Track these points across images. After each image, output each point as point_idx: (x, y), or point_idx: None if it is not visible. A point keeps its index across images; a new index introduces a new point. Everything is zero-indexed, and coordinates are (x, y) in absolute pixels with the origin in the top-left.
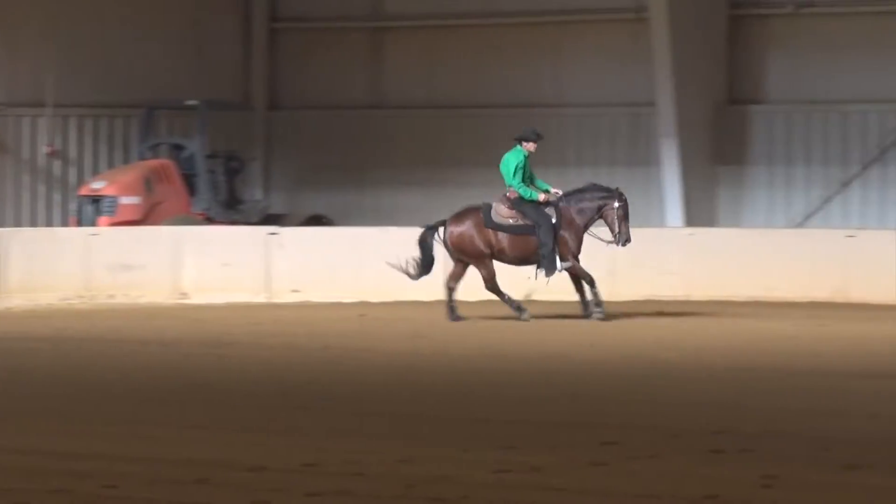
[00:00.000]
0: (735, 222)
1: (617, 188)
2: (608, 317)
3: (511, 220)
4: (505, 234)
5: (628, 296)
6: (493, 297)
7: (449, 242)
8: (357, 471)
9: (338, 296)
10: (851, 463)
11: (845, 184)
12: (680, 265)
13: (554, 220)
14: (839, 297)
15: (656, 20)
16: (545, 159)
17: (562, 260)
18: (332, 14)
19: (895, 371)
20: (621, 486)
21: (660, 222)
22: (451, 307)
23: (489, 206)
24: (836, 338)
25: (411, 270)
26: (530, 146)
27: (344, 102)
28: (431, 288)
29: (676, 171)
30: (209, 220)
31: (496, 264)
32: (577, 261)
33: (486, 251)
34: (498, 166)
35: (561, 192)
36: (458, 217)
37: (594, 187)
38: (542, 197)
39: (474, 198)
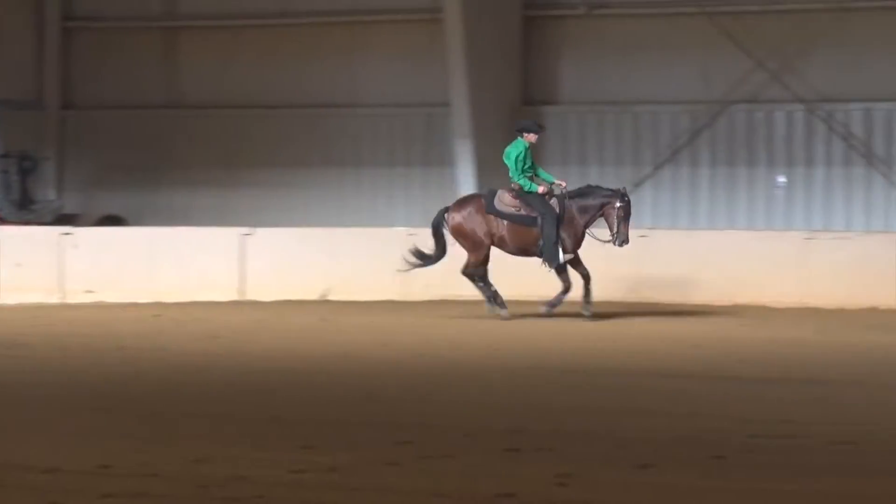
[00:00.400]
0: None
1: (622, 188)
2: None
3: (514, 209)
4: (505, 222)
5: (423, 295)
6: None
7: (449, 228)
8: (152, 472)
9: (132, 296)
10: (645, 462)
11: (637, 184)
12: None
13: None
14: (632, 297)
15: (450, 21)
16: (343, 159)
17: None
18: (126, 13)
19: (690, 370)
20: (416, 484)
21: None
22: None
23: (493, 192)
24: (629, 337)
25: (419, 259)
26: (531, 137)
27: (138, 102)
28: (226, 289)
29: (471, 172)
30: (1, 221)
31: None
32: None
33: (486, 241)
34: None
35: (565, 184)
36: (460, 203)
37: (598, 187)
38: (541, 189)
39: (271, 198)
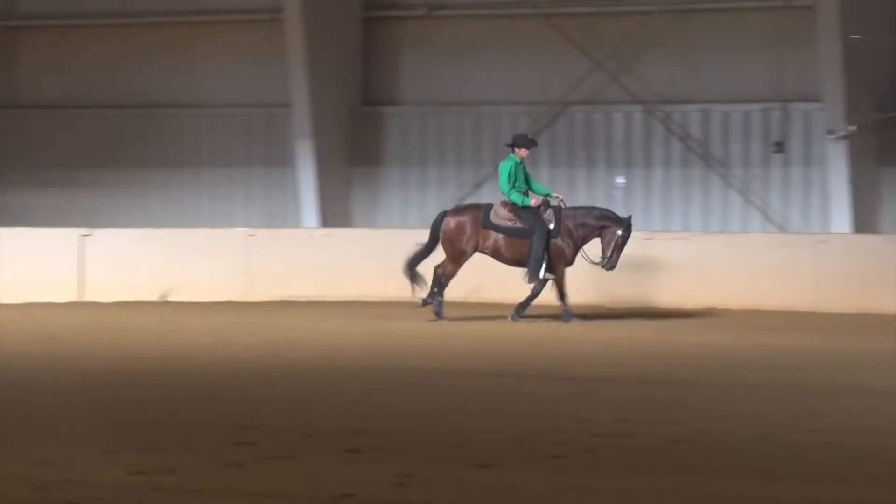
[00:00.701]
0: (370, 223)
1: (629, 216)
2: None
3: (509, 223)
4: (501, 235)
5: (264, 296)
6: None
7: (442, 231)
8: None
9: None
10: (485, 461)
11: (478, 184)
12: (315, 266)
13: (552, 227)
14: (473, 298)
15: (291, 21)
16: (182, 160)
17: (551, 269)
18: None
19: (530, 370)
20: (257, 486)
21: (296, 223)
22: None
23: (490, 207)
24: (469, 337)
25: (416, 260)
26: (522, 152)
27: None
28: (65, 290)
29: (312, 172)
30: None
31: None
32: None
33: (468, 254)
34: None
35: (563, 197)
36: (459, 210)
37: (606, 209)
38: (533, 202)
39: (111, 199)
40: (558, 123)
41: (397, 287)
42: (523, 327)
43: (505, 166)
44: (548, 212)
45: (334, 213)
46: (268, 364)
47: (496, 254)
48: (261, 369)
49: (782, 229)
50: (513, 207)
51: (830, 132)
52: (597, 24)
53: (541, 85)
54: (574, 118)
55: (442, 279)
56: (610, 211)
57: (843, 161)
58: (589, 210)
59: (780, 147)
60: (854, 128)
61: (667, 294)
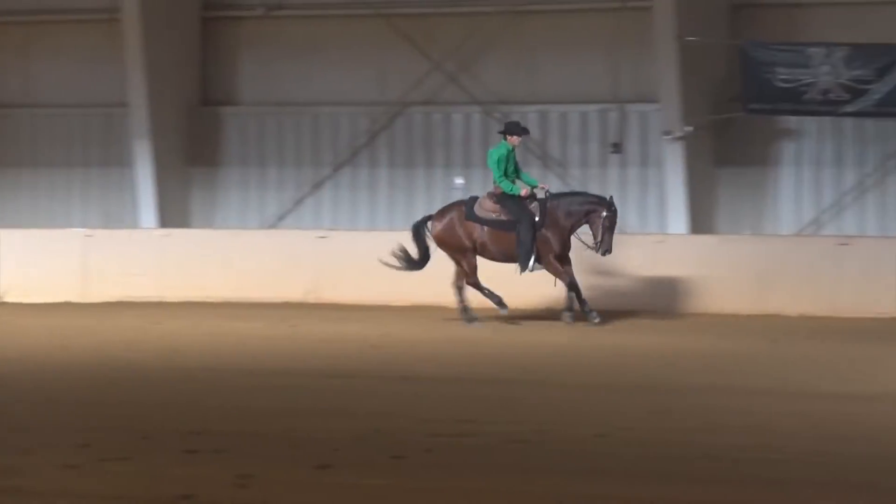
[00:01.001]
0: (209, 223)
1: (609, 197)
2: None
3: (494, 215)
4: (486, 228)
5: (101, 297)
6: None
7: (433, 238)
8: None
9: None
10: (325, 462)
11: (317, 185)
12: (154, 266)
13: (538, 218)
14: (312, 298)
15: (129, 21)
16: (19, 160)
17: (541, 259)
18: None
19: (370, 370)
20: (95, 488)
21: (134, 223)
22: (464, 308)
23: (474, 199)
24: (307, 338)
25: (403, 263)
26: (514, 140)
27: None
28: None
29: (150, 173)
30: None
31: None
32: (569, 261)
33: (468, 244)
34: None
35: (548, 188)
36: (442, 212)
37: (585, 193)
38: (524, 192)
39: None
40: (397, 124)
41: (236, 288)
42: (363, 327)
43: (495, 153)
44: (533, 204)
45: (173, 214)
46: (105, 365)
47: (482, 249)
48: (98, 370)
49: (620, 230)
50: (499, 198)
51: (667, 133)
52: (435, 24)
53: (380, 85)
54: (413, 118)
55: (471, 282)
56: (592, 195)
57: (679, 162)
58: (573, 197)
59: (617, 148)
60: (690, 129)
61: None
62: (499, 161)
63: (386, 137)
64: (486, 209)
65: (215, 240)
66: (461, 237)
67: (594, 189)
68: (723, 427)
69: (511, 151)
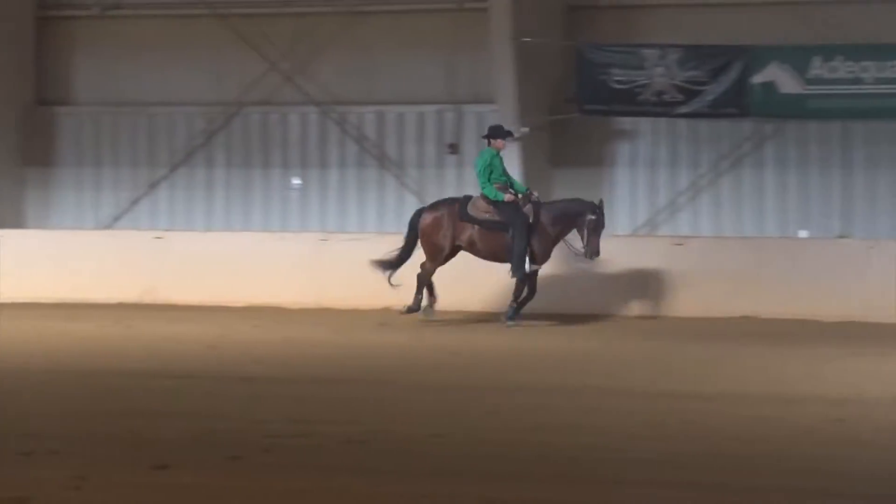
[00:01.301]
0: (44, 224)
1: (599, 200)
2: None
3: (487, 216)
4: (478, 228)
5: None
6: None
7: (420, 226)
8: None
9: None
10: (161, 462)
11: (153, 185)
12: None
13: (531, 220)
14: (148, 299)
15: None
16: None
17: (536, 260)
18: None
19: (206, 371)
20: None
21: None
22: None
23: (468, 199)
24: (144, 339)
25: (388, 268)
26: (499, 143)
27: None
28: None
29: None
30: None
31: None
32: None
33: (446, 249)
34: None
35: (537, 194)
36: (435, 205)
37: (577, 200)
38: (507, 197)
39: None
40: (234, 124)
41: (71, 289)
42: (200, 327)
43: (480, 160)
44: (527, 206)
45: (6, 214)
46: None
47: (471, 247)
48: None
49: None
50: (490, 200)
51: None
52: (271, 24)
53: (216, 85)
54: (250, 119)
55: (421, 278)
56: (580, 201)
57: (516, 162)
58: (562, 204)
59: (454, 149)
60: (527, 130)
61: (341, 295)
62: (483, 169)
63: (223, 138)
64: (480, 209)
65: (50, 240)
66: (442, 238)
67: (431, 189)
68: (561, 427)
69: (496, 156)
